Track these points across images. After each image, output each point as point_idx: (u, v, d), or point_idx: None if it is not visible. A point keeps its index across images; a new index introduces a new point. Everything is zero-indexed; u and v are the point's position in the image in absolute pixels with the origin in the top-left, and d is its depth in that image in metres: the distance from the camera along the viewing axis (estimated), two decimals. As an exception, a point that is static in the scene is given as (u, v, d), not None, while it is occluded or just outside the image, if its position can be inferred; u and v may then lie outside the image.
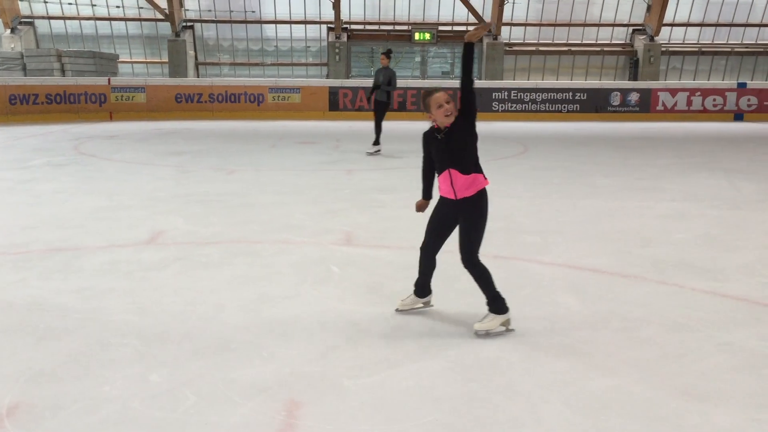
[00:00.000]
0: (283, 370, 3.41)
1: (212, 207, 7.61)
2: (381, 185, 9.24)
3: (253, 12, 28.73)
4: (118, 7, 28.08)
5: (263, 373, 3.37)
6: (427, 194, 4.19)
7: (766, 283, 4.90)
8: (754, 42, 29.70)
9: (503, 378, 3.36)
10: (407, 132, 17.59)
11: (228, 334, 3.86)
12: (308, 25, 29.08)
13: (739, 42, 29.65)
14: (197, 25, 28.88)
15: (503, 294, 3.95)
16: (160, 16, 27.53)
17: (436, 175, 3.99)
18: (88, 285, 4.73)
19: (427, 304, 4.32)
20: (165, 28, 28.15)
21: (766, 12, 28.96)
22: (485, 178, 3.89)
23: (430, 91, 3.91)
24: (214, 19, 28.79)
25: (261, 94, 21.77)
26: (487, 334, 3.87)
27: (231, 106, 21.63)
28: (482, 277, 3.92)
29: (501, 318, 3.91)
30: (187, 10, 28.45)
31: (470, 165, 3.82)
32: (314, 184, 9.25)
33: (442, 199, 3.98)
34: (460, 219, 3.90)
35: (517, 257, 5.57)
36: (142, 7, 27.94)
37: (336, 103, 21.90)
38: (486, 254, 5.42)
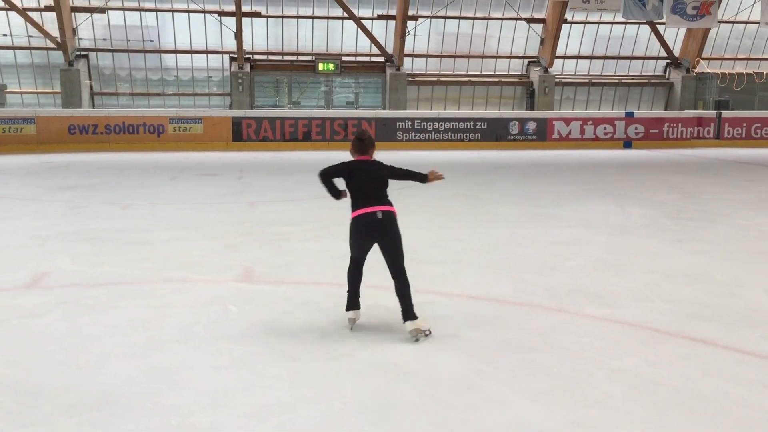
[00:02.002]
0: (170, 422, 3.21)
1: (103, 245, 7.23)
2: (285, 217, 9.08)
3: (151, 41, 27.98)
4: (5, 35, 26.69)
5: (147, 427, 3.15)
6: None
7: (653, 308, 5.08)
8: (639, 74, 31.54)
9: (401, 418, 3.28)
10: (315, 162, 17.50)
11: (111, 385, 3.61)
12: (210, 55, 28.62)
13: (626, 73, 31.41)
14: (92, 54, 27.84)
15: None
16: (51, 45, 26.37)
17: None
18: (-44, 336, 4.34)
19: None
20: (57, 57, 26.94)
21: (649, 45, 30.87)
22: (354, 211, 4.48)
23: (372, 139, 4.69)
24: (110, 48, 27.86)
25: (161, 124, 21.16)
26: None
27: (129, 138, 20.88)
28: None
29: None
30: (81, 38, 27.40)
31: None
32: (215, 218, 8.99)
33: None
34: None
35: (418, 289, 5.52)
36: (32, 36, 26.66)
37: (240, 134, 21.57)
38: (385, 287, 5.40)
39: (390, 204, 4.51)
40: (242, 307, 5.05)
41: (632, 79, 31.30)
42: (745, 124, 24.15)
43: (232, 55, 27.89)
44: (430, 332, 4.36)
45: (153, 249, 7.08)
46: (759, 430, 3.20)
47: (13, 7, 25.05)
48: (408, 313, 4.33)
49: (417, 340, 4.29)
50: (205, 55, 28.54)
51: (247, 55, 27.81)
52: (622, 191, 11.88)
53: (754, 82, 30.10)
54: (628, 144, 23.23)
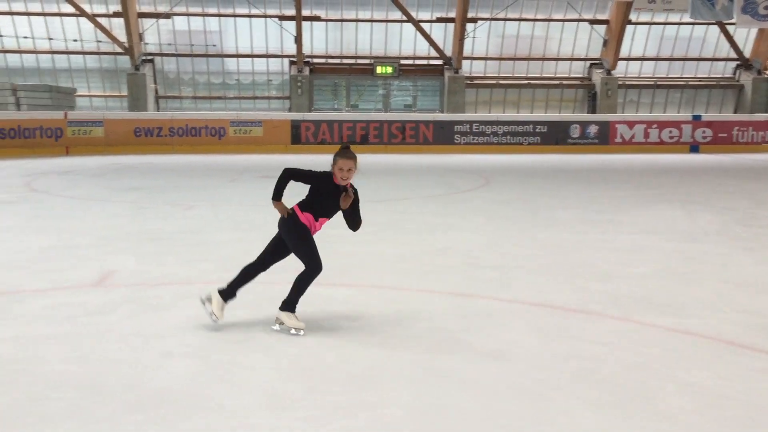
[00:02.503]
0: (231, 423, 3.22)
1: (167, 245, 7.39)
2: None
3: (214, 46, 28.62)
4: (75, 40, 27.71)
5: (208, 426, 3.18)
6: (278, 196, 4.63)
7: (724, 319, 4.86)
8: (707, 75, 30.54)
9: (461, 427, 3.22)
10: (372, 165, 17.55)
11: (173, 383, 3.66)
12: (270, 59, 29.07)
13: (693, 75, 30.46)
14: (158, 59, 28.64)
15: None
16: (119, 50, 27.25)
17: (316, 212, 4.64)
18: (25, 332, 4.48)
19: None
20: (125, 61, 27.84)
21: (718, 46, 29.88)
22: None
23: (346, 154, 4.44)
24: (174, 52, 28.60)
25: (222, 127, 21.60)
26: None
27: (191, 140, 21.38)
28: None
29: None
30: (147, 43, 28.22)
31: None
32: (273, 220, 9.03)
33: (306, 228, 4.63)
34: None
35: (476, 294, 5.47)
36: (100, 41, 27.62)
37: (298, 137, 21.83)
38: (443, 292, 5.34)
39: (298, 204, 4.68)
40: (301, 308, 5.06)
41: (700, 81, 30.34)
42: (820, 128, 23.11)
43: (291, 59, 28.27)
44: (298, 332, 4.46)
45: (214, 250, 7.19)
46: (843, 452, 3.02)
47: (83, 14, 25.99)
48: (287, 304, 4.56)
49: (276, 328, 4.51)
50: (265, 59, 29.03)
51: (307, 59, 28.14)
52: (689, 197, 11.49)
53: (831, 83, 28.78)
54: (695, 148, 22.51)
